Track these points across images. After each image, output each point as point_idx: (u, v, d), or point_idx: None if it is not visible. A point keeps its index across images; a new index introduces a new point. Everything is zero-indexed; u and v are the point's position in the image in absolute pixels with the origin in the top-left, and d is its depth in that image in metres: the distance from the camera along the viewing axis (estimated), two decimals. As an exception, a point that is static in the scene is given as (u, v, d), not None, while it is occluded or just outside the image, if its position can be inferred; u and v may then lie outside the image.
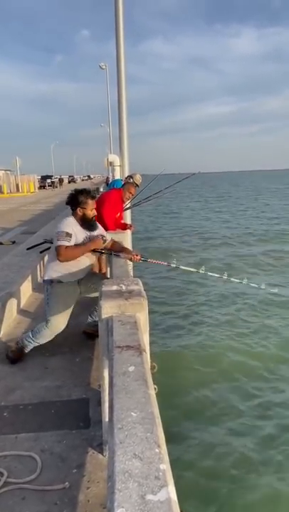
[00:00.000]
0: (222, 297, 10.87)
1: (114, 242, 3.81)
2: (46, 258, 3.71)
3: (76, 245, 3.37)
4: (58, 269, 3.43)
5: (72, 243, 3.34)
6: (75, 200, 3.48)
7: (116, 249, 3.71)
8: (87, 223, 3.50)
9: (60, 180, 53.54)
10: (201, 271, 4.13)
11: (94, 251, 3.54)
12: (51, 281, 3.47)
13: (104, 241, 3.59)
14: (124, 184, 5.48)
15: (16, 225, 12.60)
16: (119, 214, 5.43)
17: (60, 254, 3.29)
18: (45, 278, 3.50)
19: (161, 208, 33.87)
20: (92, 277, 3.66)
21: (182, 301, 10.63)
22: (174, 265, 4.07)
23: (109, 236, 3.82)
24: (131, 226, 5.79)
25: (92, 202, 3.52)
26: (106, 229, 4.91)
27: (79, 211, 3.48)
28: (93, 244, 3.46)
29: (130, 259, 3.62)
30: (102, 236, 3.57)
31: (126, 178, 5.73)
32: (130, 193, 5.30)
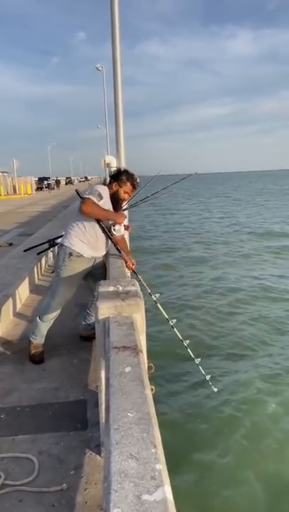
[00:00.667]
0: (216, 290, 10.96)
1: (123, 240, 3.74)
2: (73, 220, 3.50)
3: (101, 207, 3.28)
4: (80, 240, 3.35)
5: (100, 203, 3.27)
6: (117, 175, 3.48)
7: (121, 247, 3.60)
8: (115, 200, 3.45)
9: (57, 182, 53.06)
10: (171, 322, 3.60)
11: (108, 234, 3.43)
12: (71, 254, 3.36)
13: (116, 229, 3.45)
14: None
15: (13, 227, 12.59)
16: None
17: (86, 204, 3.20)
18: (66, 244, 3.38)
19: (155, 208, 34.02)
20: (100, 268, 3.60)
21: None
22: (155, 298, 3.62)
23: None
24: (128, 227, 5.80)
25: (130, 186, 3.47)
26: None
27: (114, 186, 3.44)
28: (117, 215, 3.38)
29: (125, 262, 3.53)
30: (116, 226, 3.45)
31: None
32: (127, 193, 5.30)
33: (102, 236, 3.42)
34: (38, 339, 3.54)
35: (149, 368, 2.49)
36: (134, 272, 3.63)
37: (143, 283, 3.59)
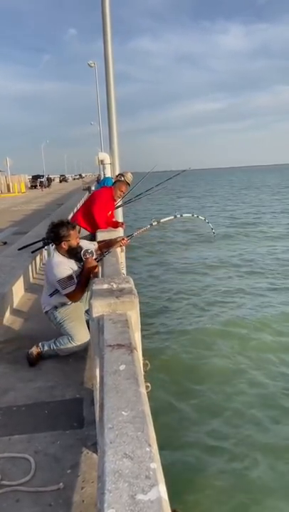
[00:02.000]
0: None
1: (100, 245, 3.84)
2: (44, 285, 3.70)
3: (79, 283, 3.41)
4: (54, 296, 3.51)
5: (75, 280, 3.41)
6: (57, 236, 3.48)
7: (105, 248, 3.74)
8: (72, 253, 3.51)
9: (49, 180, 49.84)
10: (177, 215, 4.71)
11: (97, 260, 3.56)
12: (55, 307, 3.53)
13: (89, 252, 3.53)
14: (115, 182, 5.46)
15: (7, 226, 12.51)
16: (110, 212, 5.41)
17: (72, 299, 3.43)
18: (47, 309, 3.55)
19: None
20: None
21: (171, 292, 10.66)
22: (155, 223, 4.34)
23: (92, 242, 3.89)
24: (123, 224, 5.78)
25: (74, 232, 3.52)
26: (98, 227, 4.90)
27: (64, 245, 3.49)
28: (88, 269, 3.45)
29: (121, 246, 3.65)
30: (87, 251, 3.50)
31: (117, 177, 5.71)
32: (121, 191, 5.28)
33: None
34: (44, 353, 3.49)
35: (144, 365, 2.49)
36: (129, 237, 3.97)
37: (140, 230, 4.35)
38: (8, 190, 36.26)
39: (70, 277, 3.39)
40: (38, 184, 45.40)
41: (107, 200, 5.20)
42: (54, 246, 3.57)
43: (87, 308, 3.63)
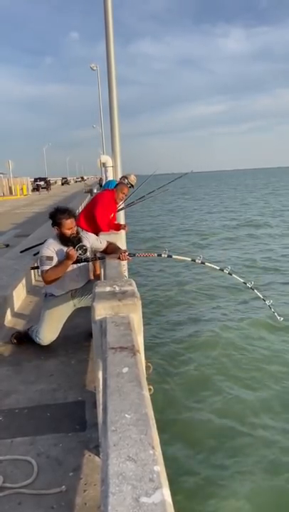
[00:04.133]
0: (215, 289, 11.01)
1: (109, 244, 3.85)
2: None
3: (55, 266, 3.48)
4: (47, 287, 3.65)
5: (53, 264, 3.48)
6: (53, 219, 3.58)
7: (110, 251, 3.76)
8: (67, 241, 3.54)
9: (47, 183, 47.42)
10: (197, 260, 3.77)
11: (76, 262, 3.55)
12: (45, 295, 3.70)
13: (84, 250, 3.56)
14: (117, 185, 5.46)
15: (10, 228, 12.54)
16: (113, 215, 5.41)
17: (44, 279, 3.51)
18: (43, 291, 3.76)
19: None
20: (88, 285, 3.68)
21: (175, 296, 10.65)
22: (166, 255, 3.69)
23: (104, 239, 3.89)
24: (125, 226, 5.78)
25: (68, 221, 3.54)
26: (100, 230, 4.90)
27: (56, 229, 3.58)
28: (68, 258, 3.46)
29: (118, 258, 3.61)
30: (82, 246, 3.53)
31: (120, 179, 5.72)
32: (123, 193, 5.28)
33: (68, 274, 3.57)
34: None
35: (147, 367, 2.49)
36: (131, 255, 3.83)
37: (145, 254, 3.93)
38: (11, 192, 36.35)
39: (49, 257, 3.50)
40: (35, 187, 44.80)
41: (108, 202, 5.20)
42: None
43: (78, 306, 3.75)
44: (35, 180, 48.41)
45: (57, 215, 3.55)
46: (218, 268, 4.08)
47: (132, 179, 5.39)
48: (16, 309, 4.99)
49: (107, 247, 3.81)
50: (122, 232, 5.47)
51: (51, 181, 53.68)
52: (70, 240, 3.55)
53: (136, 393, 1.17)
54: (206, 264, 3.93)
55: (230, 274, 4.05)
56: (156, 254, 3.89)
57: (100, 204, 5.13)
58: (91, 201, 5.72)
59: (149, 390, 1.45)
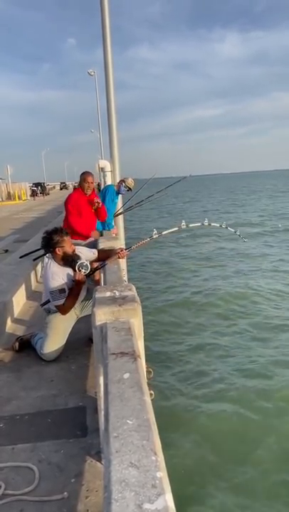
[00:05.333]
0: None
1: (100, 252, 3.82)
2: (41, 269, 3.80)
3: (69, 297, 3.46)
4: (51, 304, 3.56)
5: (66, 293, 3.45)
6: (51, 242, 3.48)
7: (104, 258, 3.70)
8: (68, 260, 3.49)
9: (43, 188, 46.45)
10: (182, 226, 4.19)
11: (88, 276, 3.55)
12: (49, 311, 3.60)
13: (86, 266, 3.51)
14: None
15: (9, 234, 12.53)
16: (97, 205, 5.26)
17: (62, 312, 3.49)
18: (45, 306, 3.62)
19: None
20: (88, 294, 3.66)
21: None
22: (156, 235, 4.01)
23: (91, 253, 3.80)
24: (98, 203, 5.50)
25: (67, 238, 3.52)
26: (84, 235, 4.92)
27: (58, 251, 3.48)
28: (78, 285, 3.48)
29: (119, 258, 3.61)
30: (82, 264, 3.48)
31: (118, 183, 5.72)
32: (87, 182, 5.15)
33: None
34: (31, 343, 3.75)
35: (148, 372, 2.48)
36: (128, 250, 3.84)
37: (139, 243, 4.04)
38: (9, 198, 36.38)
39: (61, 290, 3.42)
40: (38, 192, 44.58)
41: (75, 202, 5.17)
42: (50, 254, 3.56)
43: (80, 315, 3.71)
44: (35, 185, 48.24)
45: (55, 235, 3.47)
46: (198, 224, 4.58)
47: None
48: (15, 315, 4.98)
49: (99, 255, 3.77)
50: (122, 232, 5.47)
51: (49, 186, 53.36)
52: (72, 258, 3.49)
53: (137, 399, 1.18)
54: (189, 225, 4.35)
55: (209, 224, 4.51)
56: (148, 238, 4.12)
57: (66, 209, 5.16)
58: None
59: (150, 395, 1.45)
